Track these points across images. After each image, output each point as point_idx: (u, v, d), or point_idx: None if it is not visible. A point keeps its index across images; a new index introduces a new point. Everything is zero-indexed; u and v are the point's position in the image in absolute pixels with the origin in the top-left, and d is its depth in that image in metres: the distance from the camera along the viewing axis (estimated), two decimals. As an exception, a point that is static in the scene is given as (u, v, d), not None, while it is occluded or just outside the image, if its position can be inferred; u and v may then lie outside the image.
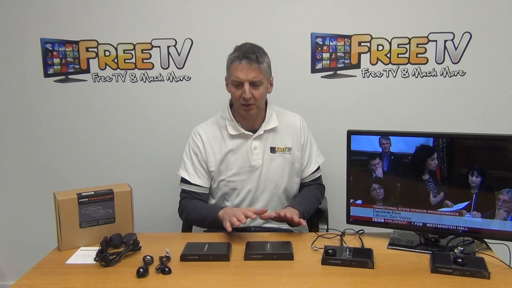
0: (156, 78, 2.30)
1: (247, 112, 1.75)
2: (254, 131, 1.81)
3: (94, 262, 1.41)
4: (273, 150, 1.83)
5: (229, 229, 1.54)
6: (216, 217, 1.66)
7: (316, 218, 1.92)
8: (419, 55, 2.19)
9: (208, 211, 1.74)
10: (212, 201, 1.91)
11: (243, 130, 1.80)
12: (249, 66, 1.70)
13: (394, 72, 2.22)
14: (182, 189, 1.86)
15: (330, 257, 1.38)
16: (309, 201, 1.85)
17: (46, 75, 2.32)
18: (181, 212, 1.84)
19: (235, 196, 1.84)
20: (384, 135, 1.52)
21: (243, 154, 1.81)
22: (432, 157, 1.47)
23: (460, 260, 1.31)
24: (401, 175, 1.52)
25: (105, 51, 2.28)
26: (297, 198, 1.88)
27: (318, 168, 1.95)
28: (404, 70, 2.21)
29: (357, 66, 2.22)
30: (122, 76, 2.31)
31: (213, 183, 1.86)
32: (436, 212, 1.49)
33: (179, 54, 2.27)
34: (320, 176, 1.98)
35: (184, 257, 1.43)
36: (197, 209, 1.78)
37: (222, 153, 1.81)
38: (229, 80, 1.76)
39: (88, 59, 2.30)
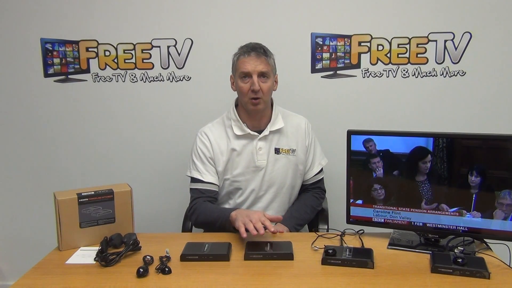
0: (156, 78, 2.30)
1: (255, 106, 1.75)
2: (259, 132, 1.82)
3: (94, 262, 1.41)
4: (277, 151, 1.83)
5: (244, 235, 1.46)
6: (228, 218, 1.61)
7: (316, 218, 1.92)
8: (419, 55, 2.19)
9: (220, 212, 1.69)
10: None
11: (248, 130, 1.80)
12: (257, 58, 1.73)
13: (394, 72, 2.22)
14: (194, 189, 1.82)
15: (330, 257, 1.38)
16: (302, 212, 1.85)
17: (46, 75, 2.32)
18: (191, 214, 1.79)
19: (239, 196, 1.84)
20: (384, 135, 1.52)
21: (248, 154, 1.81)
22: (424, 160, 1.47)
23: (460, 260, 1.30)
24: (400, 176, 1.52)
25: (105, 51, 2.28)
26: (290, 209, 1.87)
27: (321, 170, 1.94)
28: (404, 70, 2.21)
29: (357, 66, 2.22)
30: (122, 76, 2.31)
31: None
32: (436, 212, 1.49)
33: (179, 54, 2.27)
34: (322, 179, 1.96)
35: (184, 257, 1.43)
36: (209, 211, 1.73)
37: (228, 153, 1.81)
38: (236, 75, 1.77)
39: (88, 59, 2.30)
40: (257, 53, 1.73)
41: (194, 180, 1.83)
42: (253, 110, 1.77)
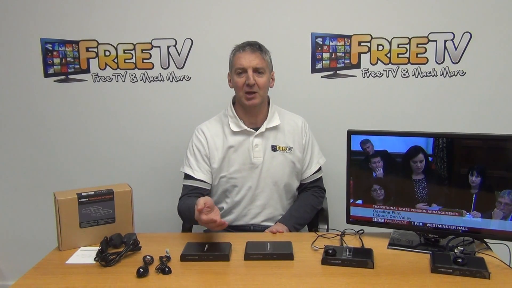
0: (156, 78, 2.30)
1: (251, 100, 1.76)
2: (256, 129, 1.82)
3: (94, 262, 1.41)
4: (274, 148, 1.84)
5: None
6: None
7: (316, 218, 1.92)
8: (419, 55, 2.19)
9: (191, 204, 1.67)
10: (213, 198, 1.91)
11: (245, 127, 1.81)
12: (252, 53, 1.75)
13: (394, 72, 2.22)
14: (185, 185, 1.85)
15: (330, 257, 1.38)
16: (302, 212, 1.85)
17: (46, 75, 2.32)
18: (178, 210, 1.81)
19: (236, 193, 1.84)
20: (384, 135, 1.52)
21: (244, 151, 1.82)
22: (414, 159, 1.47)
23: (460, 260, 1.30)
24: (400, 175, 1.52)
25: (105, 51, 2.28)
26: (290, 209, 1.88)
27: (320, 169, 1.95)
28: (404, 70, 2.21)
29: (357, 66, 2.22)
30: (122, 76, 2.31)
31: (214, 180, 1.86)
32: (436, 212, 1.49)
33: (179, 54, 2.27)
34: (321, 177, 1.97)
35: (184, 257, 1.43)
36: (186, 206, 1.74)
37: (224, 149, 1.82)
38: (233, 71, 1.79)
39: (88, 59, 2.30)
40: (252, 48, 1.76)
41: (186, 176, 1.86)
42: (249, 104, 1.77)
